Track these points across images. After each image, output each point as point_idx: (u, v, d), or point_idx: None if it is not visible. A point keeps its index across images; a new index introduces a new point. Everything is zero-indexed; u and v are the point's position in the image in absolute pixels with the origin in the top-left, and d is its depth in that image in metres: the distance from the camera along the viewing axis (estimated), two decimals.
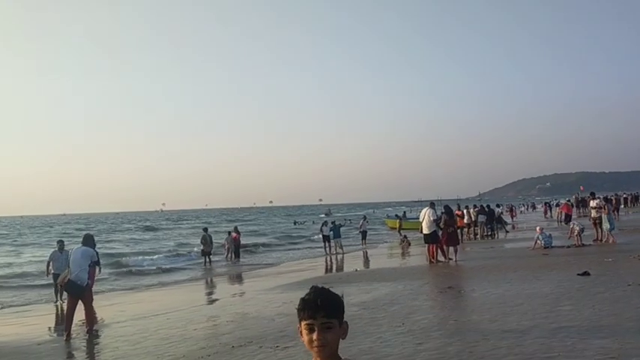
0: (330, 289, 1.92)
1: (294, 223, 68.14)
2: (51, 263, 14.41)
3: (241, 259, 25.51)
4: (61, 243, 15.06)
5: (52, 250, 15.16)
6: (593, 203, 18.85)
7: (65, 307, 10.63)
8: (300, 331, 1.84)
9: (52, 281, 14.58)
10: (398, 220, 39.16)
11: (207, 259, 23.67)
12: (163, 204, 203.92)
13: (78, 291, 9.73)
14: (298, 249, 31.54)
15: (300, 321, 1.84)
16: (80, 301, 9.89)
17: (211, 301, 13.92)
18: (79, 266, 9.70)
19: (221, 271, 21.91)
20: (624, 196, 52.16)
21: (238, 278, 19.39)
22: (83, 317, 10.00)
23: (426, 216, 16.26)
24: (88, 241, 10.65)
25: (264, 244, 34.81)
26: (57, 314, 13.02)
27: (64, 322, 10.00)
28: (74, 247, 10.75)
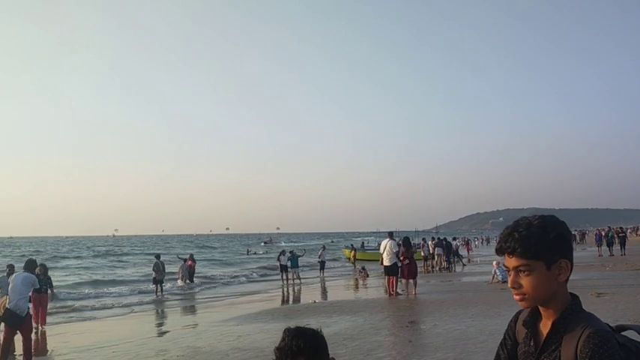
0: (306, 325, 1.75)
1: (247, 252, 66.93)
2: None
3: (196, 289, 24.62)
4: (11, 268, 13.02)
5: (0, 275, 13.15)
6: None
7: (1, 338, 9.70)
8: None
9: None
10: (352, 251, 38.85)
11: (159, 288, 22.71)
12: (116, 229, 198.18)
13: (16, 321, 8.90)
14: (255, 279, 30.73)
15: None
16: (19, 332, 9.06)
17: (161, 333, 13.16)
18: (18, 294, 8.92)
19: (173, 300, 21.02)
20: (573, 233, 53.70)
21: (191, 309, 18.60)
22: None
23: (387, 247, 16.05)
24: (30, 266, 9.82)
25: (220, 275, 33.85)
26: None
27: None
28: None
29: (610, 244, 31.04)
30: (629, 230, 51.87)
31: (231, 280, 29.24)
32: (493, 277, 17.89)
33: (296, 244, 74.58)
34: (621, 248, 30.30)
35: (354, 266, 34.77)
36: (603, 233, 33.71)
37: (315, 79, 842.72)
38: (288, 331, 1.73)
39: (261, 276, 31.71)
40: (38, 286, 10.30)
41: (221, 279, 29.55)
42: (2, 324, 9.55)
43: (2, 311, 9.00)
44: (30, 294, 9.59)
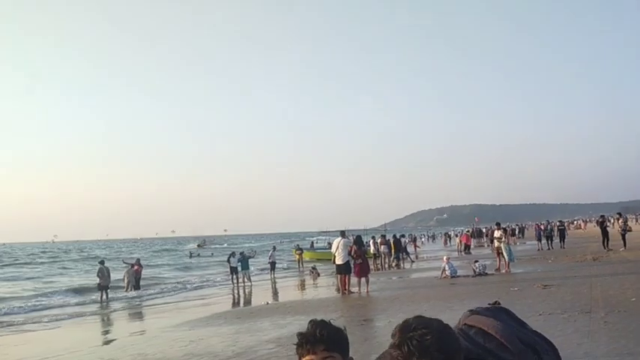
0: (331, 321, 1.78)
1: (190, 255, 65.70)
2: None
3: (143, 293, 23.90)
4: None
5: None
6: (496, 233, 19.64)
7: None
8: None
9: None
10: (298, 251, 38.63)
11: (104, 294, 21.92)
12: (55, 235, 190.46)
13: None
14: (203, 281, 30.13)
15: (300, 358, 1.70)
16: None
17: (109, 341, 12.68)
18: None
19: (120, 305, 20.30)
20: (512, 227, 55.62)
21: (139, 314, 18.04)
22: None
23: (339, 246, 16.08)
24: None
25: (168, 279, 33.05)
26: None
27: None
28: None
29: (549, 238, 32.29)
30: (567, 223, 54.23)
31: (179, 284, 28.56)
32: (443, 272, 18.23)
33: (232, 247, 73.95)
34: (561, 241, 31.59)
35: (301, 266, 34.62)
36: (542, 227, 35.03)
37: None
38: (314, 321, 1.77)
39: (210, 279, 31.15)
40: None
41: (169, 283, 28.84)
42: None
43: None
44: None
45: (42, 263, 56.90)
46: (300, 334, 1.74)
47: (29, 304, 21.02)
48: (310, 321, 1.78)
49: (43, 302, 21.52)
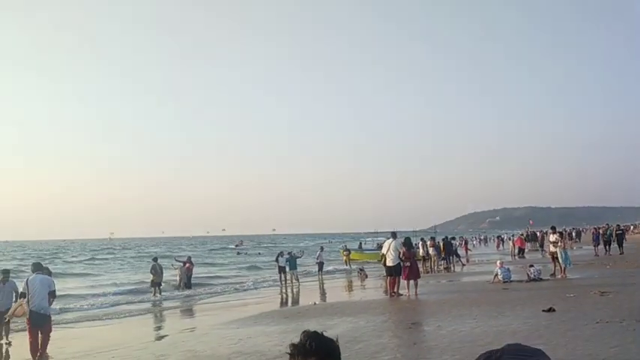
0: (323, 333, 1.81)
1: (237, 253, 66.82)
2: None
3: (194, 291, 24.41)
4: (6, 273, 12.66)
5: None
6: (552, 237, 18.97)
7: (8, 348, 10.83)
8: None
9: None
10: (345, 252, 38.55)
11: (157, 290, 22.55)
12: (112, 232, 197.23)
13: (41, 321, 9.66)
14: (252, 281, 30.49)
15: None
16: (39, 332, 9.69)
17: (160, 337, 13.00)
18: (39, 296, 9.59)
19: (172, 303, 20.81)
20: (568, 230, 53.73)
21: (190, 311, 18.44)
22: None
23: (390, 247, 15.92)
24: (40, 268, 10.34)
25: (218, 276, 33.67)
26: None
27: None
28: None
29: (608, 243, 30.95)
30: (628, 227, 51.82)
31: (229, 282, 29.04)
32: (495, 276, 17.76)
33: (300, 245, 74.34)
34: (619, 247, 30.24)
35: (349, 267, 34.61)
36: (601, 231, 33.61)
37: (315, 78, 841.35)
38: (306, 332, 1.80)
39: (259, 278, 31.52)
40: (54, 288, 10.26)
41: (219, 281, 29.36)
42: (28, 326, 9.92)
43: (24, 313, 9.80)
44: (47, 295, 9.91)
45: (99, 260, 59.01)
46: (291, 345, 1.78)
47: (86, 300, 21.69)
48: (303, 332, 1.82)
49: (99, 299, 22.17)
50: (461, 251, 34.97)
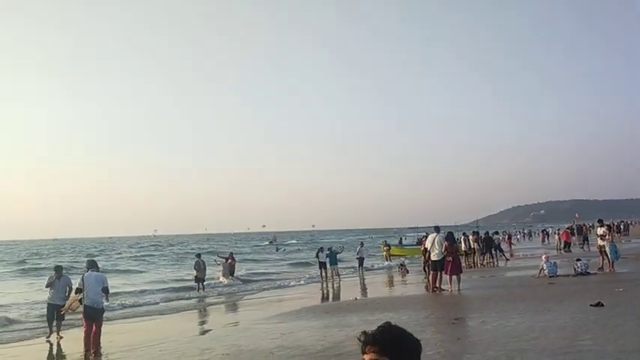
0: (406, 329, 1.81)
1: (276, 249, 67.35)
2: (48, 291, 12.97)
3: (236, 286, 24.75)
4: (58, 270, 13.21)
5: (49, 275, 13.36)
6: (600, 231, 18.41)
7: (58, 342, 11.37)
8: None
9: (45, 312, 13.05)
10: (385, 247, 38.36)
11: (201, 286, 22.99)
12: (156, 229, 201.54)
13: (95, 314, 10.28)
14: (293, 277, 30.71)
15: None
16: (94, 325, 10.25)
17: (204, 332, 13.25)
18: (94, 291, 10.24)
19: (215, 298, 21.18)
20: (616, 224, 51.92)
21: (233, 307, 18.72)
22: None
23: (435, 242, 15.76)
24: (94, 265, 10.96)
25: (259, 272, 34.05)
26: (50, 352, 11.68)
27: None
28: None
29: None
30: None
31: (271, 278, 29.34)
32: (540, 271, 17.35)
33: (340, 240, 74.26)
34: None
35: (389, 262, 34.48)
36: None
37: (353, 71, 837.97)
38: (384, 324, 1.82)
39: (299, 274, 31.73)
40: (107, 284, 10.77)
41: (261, 277, 29.69)
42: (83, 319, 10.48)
43: (78, 307, 10.48)
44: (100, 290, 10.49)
45: (144, 257, 60.34)
46: (362, 332, 1.81)
47: (132, 297, 22.13)
48: (385, 322, 1.86)
49: (145, 295, 22.58)
50: (504, 246, 34.31)
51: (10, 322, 15.44)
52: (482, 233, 29.11)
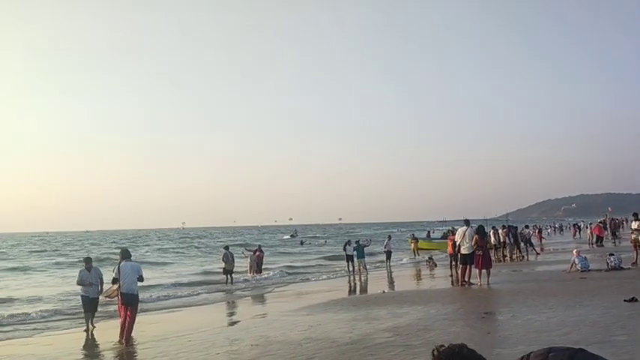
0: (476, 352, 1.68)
1: (301, 242, 67.47)
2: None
3: (264, 279, 24.91)
4: (88, 261, 13.48)
5: (80, 269, 13.57)
6: (634, 225, 17.97)
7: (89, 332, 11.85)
8: None
9: (79, 305, 13.33)
10: (413, 240, 38.00)
11: (229, 278, 23.23)
12: (184, 222, 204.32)
13: (131, 300, 10.72)
14: (320, 270, 30.78)
15: None
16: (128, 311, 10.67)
17: (233, 323, 13.41)
18: (129, 280, 10.66)
19: (243, 290, 21.38)
20: None
21: (261, 298, 18.87)
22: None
23: (465, 235, 15.61)
24: (129, 255, 11.30)
25: (288, 266, 34.19)
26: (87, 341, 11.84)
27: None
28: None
29: None
30: None
31: (297, 270, 29.44)
32: (572, 265, 17.03)
33: (367, 234, 74.16)
34: None
35: (416, 256, 34.22)
36: None
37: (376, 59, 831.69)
38: (455, 345, 1.70)
39: (325, 267, 31.79)
40: (142, 273, 11.19)
41: (288, 270, 29.77)
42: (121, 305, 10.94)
43: (117, 294, 10.89)
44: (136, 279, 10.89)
45: (173, 249, 61.19)
46: (435, 349, 1.73)
47: (162, 288, 22.25)
48: (448, 347, 1.73)
49: (174, 287, 22.71)
50: (534, 240, 33.74)
51: (46, 313, 15.81)
52: (510, 226, 28.68)
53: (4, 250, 59.90)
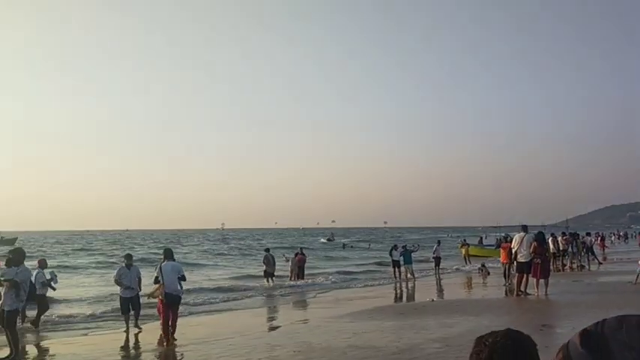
0: (519, 336, 1.43)
1: (343, 246, 66.48)
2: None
3: (306, 282, 24.29)
4: (129, 258, 13.50)
5: (119, 266, 13.70)
6: None
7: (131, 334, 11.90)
8: None
9: (119, 306, 13.16)
10: (464, 247, 36.39)
11: (270, 281, 22.91)
12: (223, 223, 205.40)
13: (173, 300, 10.71)
14: (364, 275, 29.99)
15: None
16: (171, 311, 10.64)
17: (275, 328, 13.03)
18: (171, 280, 10.65)
19: (284, 294, 20.86)
20: None
21: (302, 303, 18.43)
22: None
23: (523, 242, 14.76)
24: (171, 255, 11.30)
25: (332, 272, 33.59)
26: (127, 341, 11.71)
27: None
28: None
29: None
30: None
31: (341, 275, 28.73)
32: (638, 276, 15.88)
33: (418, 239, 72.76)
34: None
35: (467, 263, 32.82)
36: None
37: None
38: (498, 336, 1.45)
39: (371, 272, 31.04)
40: (184, 273, 11.26)
41: (332, 274, 29.09)
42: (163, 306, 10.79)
43: (162, 295, 10.65)
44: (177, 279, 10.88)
45: (213, 250, 60.45)
46: (476, 340, 1.52)
47: (202, 291, 21.57)
48: (503, 332, 1.46)
49: (214, 290, 21.91)
50: (597, 249, 32.04)
51: (88, 313, 15.80)
52: (571, 233, 27.30)
53: (44, 249, 61.15)
